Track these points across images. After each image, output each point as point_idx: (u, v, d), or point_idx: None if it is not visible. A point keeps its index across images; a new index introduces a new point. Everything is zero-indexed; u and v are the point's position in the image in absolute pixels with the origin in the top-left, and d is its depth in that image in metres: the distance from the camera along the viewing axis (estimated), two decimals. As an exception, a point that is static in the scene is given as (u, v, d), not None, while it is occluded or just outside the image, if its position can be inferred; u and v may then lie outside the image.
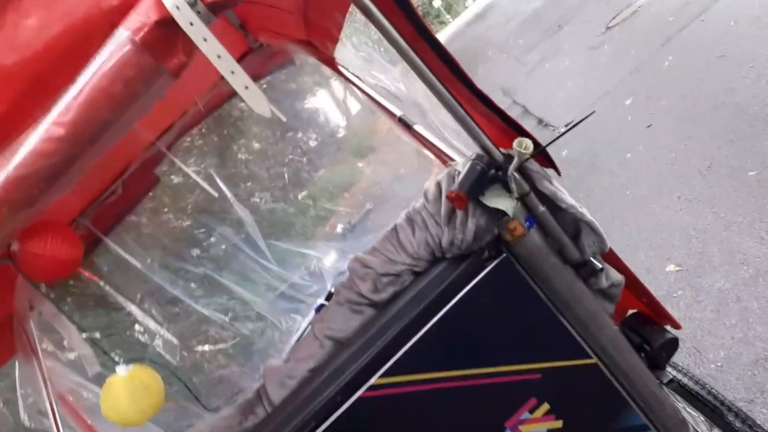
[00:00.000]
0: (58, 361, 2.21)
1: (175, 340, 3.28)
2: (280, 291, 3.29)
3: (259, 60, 2.38)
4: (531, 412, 1.36)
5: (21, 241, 1.49)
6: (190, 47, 0.93)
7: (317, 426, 1.24)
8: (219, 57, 0.87)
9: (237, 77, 0.87)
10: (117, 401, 1.50)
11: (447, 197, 1.24)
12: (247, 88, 0.87)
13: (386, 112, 1.89)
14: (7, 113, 0.97)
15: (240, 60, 2.35)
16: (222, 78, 0.94)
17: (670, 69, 5.34)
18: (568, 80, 7.56)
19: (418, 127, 1.75)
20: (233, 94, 2.88)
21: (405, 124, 1.79)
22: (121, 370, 1.53)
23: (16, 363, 2.20)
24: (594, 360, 1.37)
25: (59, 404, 2.02)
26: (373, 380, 1.26)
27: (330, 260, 3.20)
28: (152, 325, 3.21)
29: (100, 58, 0.92)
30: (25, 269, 1.54)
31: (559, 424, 1.38)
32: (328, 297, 2.60)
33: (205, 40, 0.87)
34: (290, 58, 2.71)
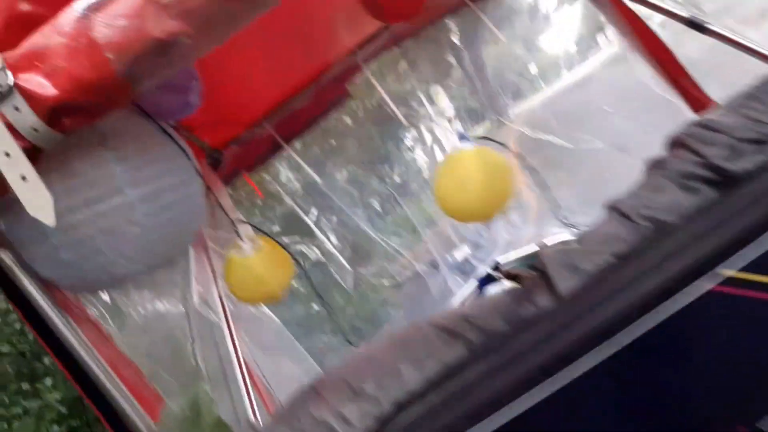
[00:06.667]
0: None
1: (348, 266, 3.19)
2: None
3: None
4: None
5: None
6: None
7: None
8: None
9: None
10: (469, 176, 1.43)
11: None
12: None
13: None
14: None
15: None
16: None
17: None
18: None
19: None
20: (444, 12, 2.57)
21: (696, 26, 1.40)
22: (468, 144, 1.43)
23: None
24: None
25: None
26: (728, 272, 0.88)
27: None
28: (328, 246, 3.14)
29: None
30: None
31: None
32: (495, 268, 2.66)
33: None
34: None
